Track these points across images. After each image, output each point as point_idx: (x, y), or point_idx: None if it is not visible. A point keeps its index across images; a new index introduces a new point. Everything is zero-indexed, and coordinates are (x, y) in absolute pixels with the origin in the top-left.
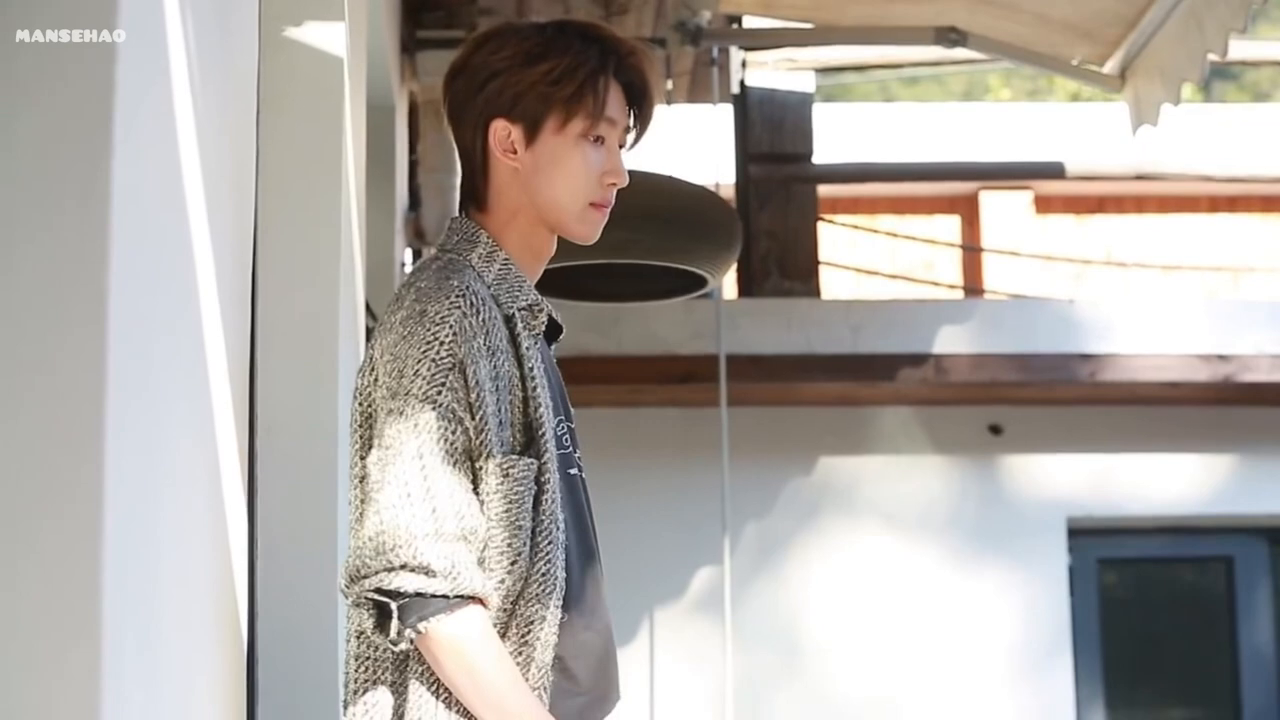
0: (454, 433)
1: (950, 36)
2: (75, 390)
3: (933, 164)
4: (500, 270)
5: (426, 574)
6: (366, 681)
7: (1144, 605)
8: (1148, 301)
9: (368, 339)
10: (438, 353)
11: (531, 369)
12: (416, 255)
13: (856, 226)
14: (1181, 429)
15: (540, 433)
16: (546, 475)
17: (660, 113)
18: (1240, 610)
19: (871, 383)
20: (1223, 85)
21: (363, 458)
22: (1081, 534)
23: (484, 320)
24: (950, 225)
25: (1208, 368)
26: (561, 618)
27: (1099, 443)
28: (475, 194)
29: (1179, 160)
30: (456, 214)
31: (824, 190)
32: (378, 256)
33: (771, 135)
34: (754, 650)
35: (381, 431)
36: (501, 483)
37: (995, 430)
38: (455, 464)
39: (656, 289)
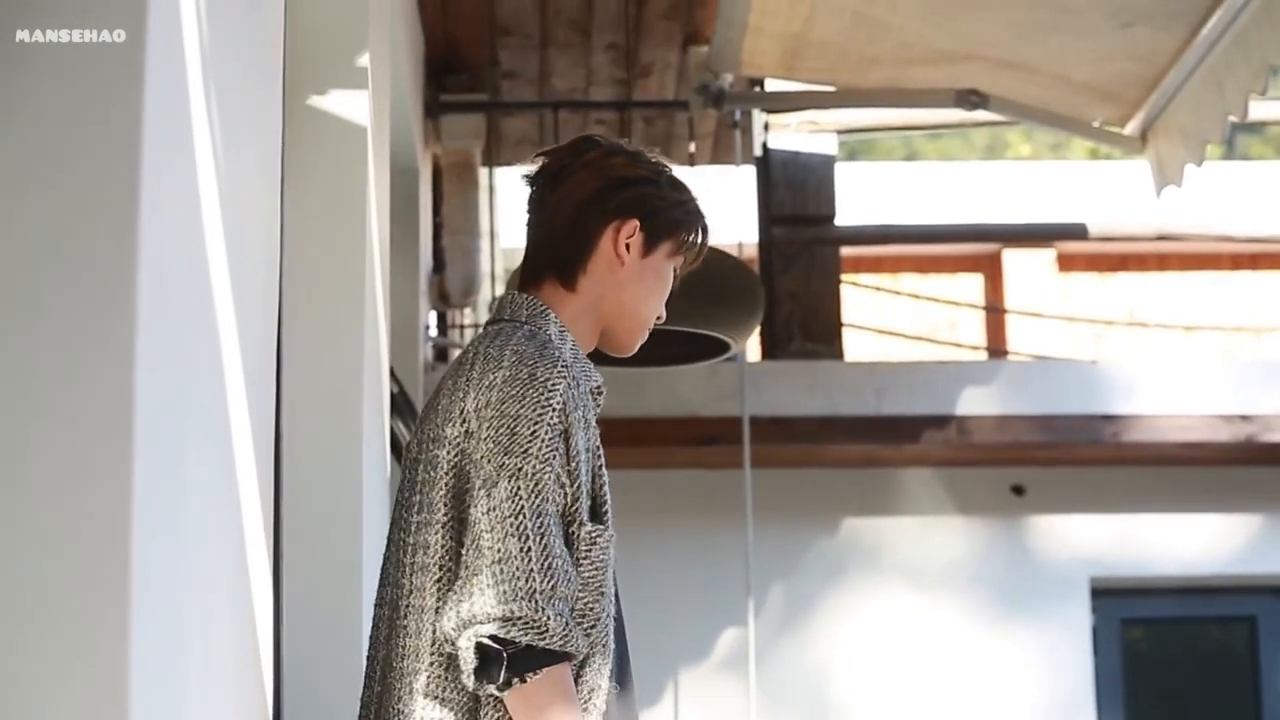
0: (560, 496)
1: (971, 99)
2: (102, 467)
3: (955, 226)
4: (572, 349)
5: (541, 630)
6: None
7: (1167, 664)
8: (1169, 362)
9: (393, 403)
10: (551, 418)
11: (599, 447)
12: (441, 318)
13: (879, 288)
14: (1204, 489)
15: (605, 508)
16: (612, 549)
17: (685, 177)
18: (1263, 669)
19: (895, 444)
20: (1246, 139)
21: (449, 504)
22: (1105, 594)
23: (580, 394)
24: (973, 283)
25: (1229, 428)
26: (612, 687)
27: (1122, 503)
28: (565, 271)
29: (1200, 220)
30: (517, 289)
31: (847, 250)
32: (402, 319)
33: (794, 197)
34: (779, 711)
35: (494, 484)
36: (589, 549)
37: (1018, 491)
38: (560, 526)
39: (681, 353)
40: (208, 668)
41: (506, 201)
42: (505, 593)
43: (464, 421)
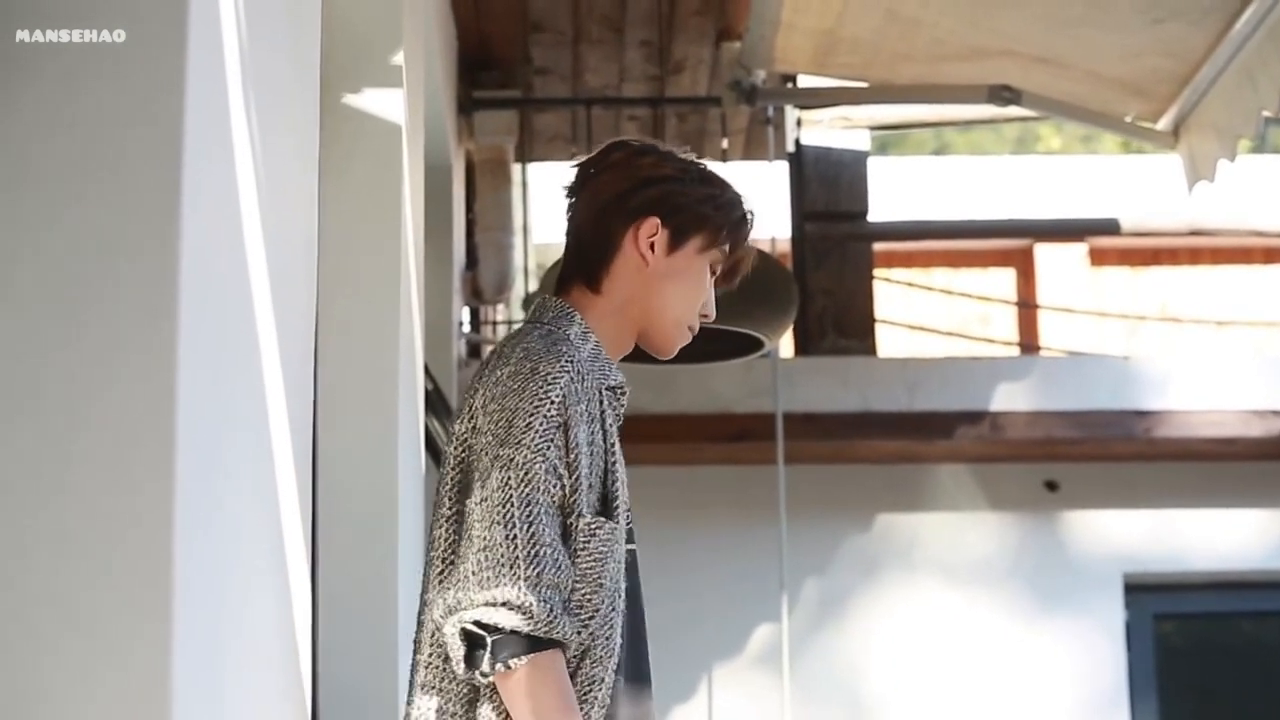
0: (555, 487)
1: (1004, 95)
2: (144, 468)
3: (987, 221)
4: (592, 349)
5: (526, 614)
6: (434, 713)
7: (1201, 660)
8: (1202, 357)
9: (427, 400)
10: (548, 410)
11: (614, 444)
12: (474, 314)
13: (911, 284)
14: (1237, 484)
15: (615, 504)
16: (617, 545)
17: (718, 173)
18: None
19: (928, 440)
20: (1276, 131)
21: (454, 499)
22: (1138, 589)
23: (586, 388)
24: (1005, 278)
25: (1262, 423)
26: (615, 681)
27: (1155, 498)
28: (590, 274)
29: (1232, 214)
30: (550, 294)
31: (879, 245)
32: (435, 315)
33: (827, 193)
34: (813, 707)
35: (487, 475)
36: (588, 541)
37: (1051, 486)
38: (553, 516)
39: (714, 350)
40: (247, 668)
41: (539, 197)
42: (488, 579)
43: (471, 417)
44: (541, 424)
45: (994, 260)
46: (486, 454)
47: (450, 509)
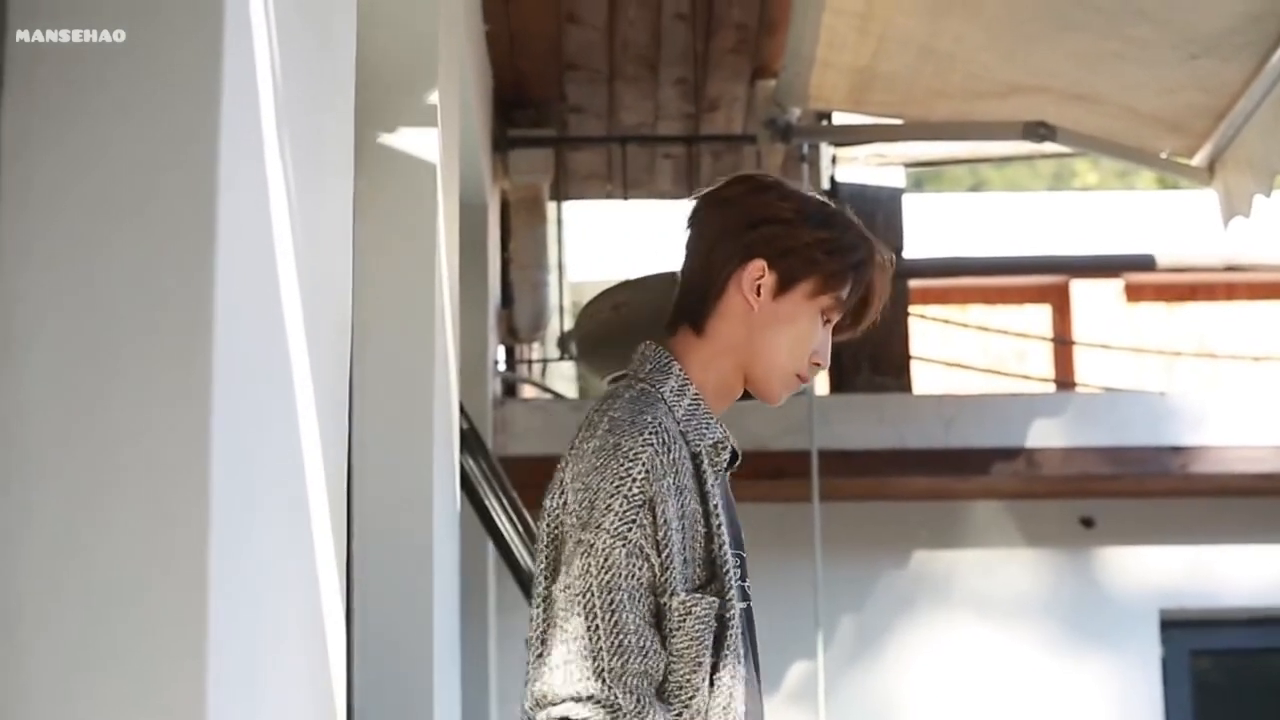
0: (640, 569)
1: (1039, 131)
2: (179, 503)
3: (1022, 258)
4: (690, 405)
5: (612, 709)
6: None
7: (1238, 696)
8: (1238, 393)
9: (463, 439)
10: (629, 489)
11: (715, 506)
12: (509, 352)
13: (948, 321)
14: (1273, 520)
15: (723, 569)
16: (730, 612)
17: None
18: None
19: (964, 477)
20: None
21: (548, 579)
22: (1174, 625)
23: (674, 459)
24: (1041, 314)
25: None
26: None
27: (1191, 534)
28: (695, 315)
29: (1269, 249)
30: (648, 342)
31: (914, 282)
32: (471, 354)
33: None
34: None
35: (570, 561)
36: (684, 620)
37: (1087, 523)
38: (640, 599)
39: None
40: (283, 706)
41: (574, 235)
42: (573, 673)
43: (561, 494)
44: (622, 505)
45: (1030, 297)
46: (571, 536)
47: (543, 589)
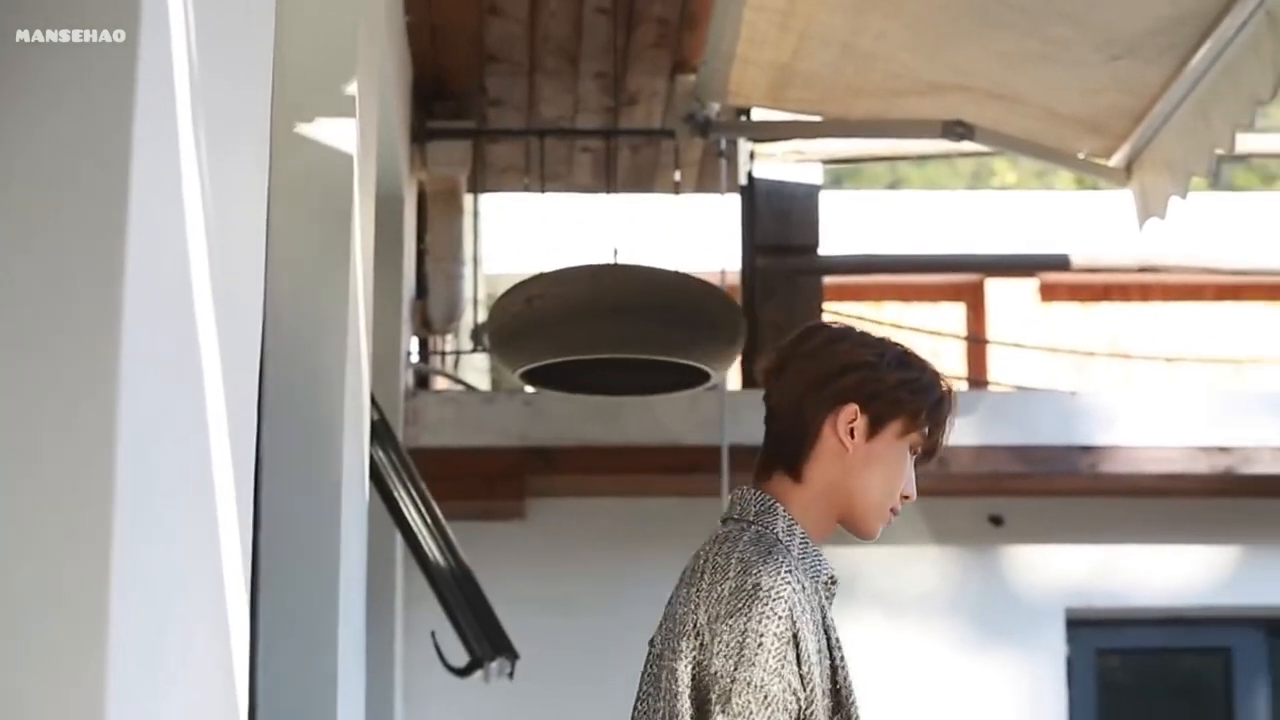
0: (792, 703)
1: (957, 130)
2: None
3: (937, 256)
4: (801, 544)
5: None
6: None
7: (1142, 695)
8: (1149, 393)
9: (373, 429)
10: (778, 628)
11: (837, 639)
12: (423, 344)
13: (861, 318)
14: (1182, 520)
15: (849, 699)
16: None
17: (671, 205)
18: (1238, 701)
19: None
20: (1232, 169)
21: (691, 718)
22: (1081, 624)
23: (808, 597)
24: (955, 312)
25: (1209, 460)
26: None
27: (1099, 534)
28: (791, 462)
29: (1184, 251)
30: (745, 486)
31: (830, 278)
32: (383, 345)
33: (778, 227)
34: None
35: (727, 698)
36: None
37: (996, 521)
38: None
39: (661, 382)
40: (186, 700)
41: (491, 228)
42: None
43: (697, 635)
44: (774, 643)
45: (944, 295)
46: (724, 676)
47: None
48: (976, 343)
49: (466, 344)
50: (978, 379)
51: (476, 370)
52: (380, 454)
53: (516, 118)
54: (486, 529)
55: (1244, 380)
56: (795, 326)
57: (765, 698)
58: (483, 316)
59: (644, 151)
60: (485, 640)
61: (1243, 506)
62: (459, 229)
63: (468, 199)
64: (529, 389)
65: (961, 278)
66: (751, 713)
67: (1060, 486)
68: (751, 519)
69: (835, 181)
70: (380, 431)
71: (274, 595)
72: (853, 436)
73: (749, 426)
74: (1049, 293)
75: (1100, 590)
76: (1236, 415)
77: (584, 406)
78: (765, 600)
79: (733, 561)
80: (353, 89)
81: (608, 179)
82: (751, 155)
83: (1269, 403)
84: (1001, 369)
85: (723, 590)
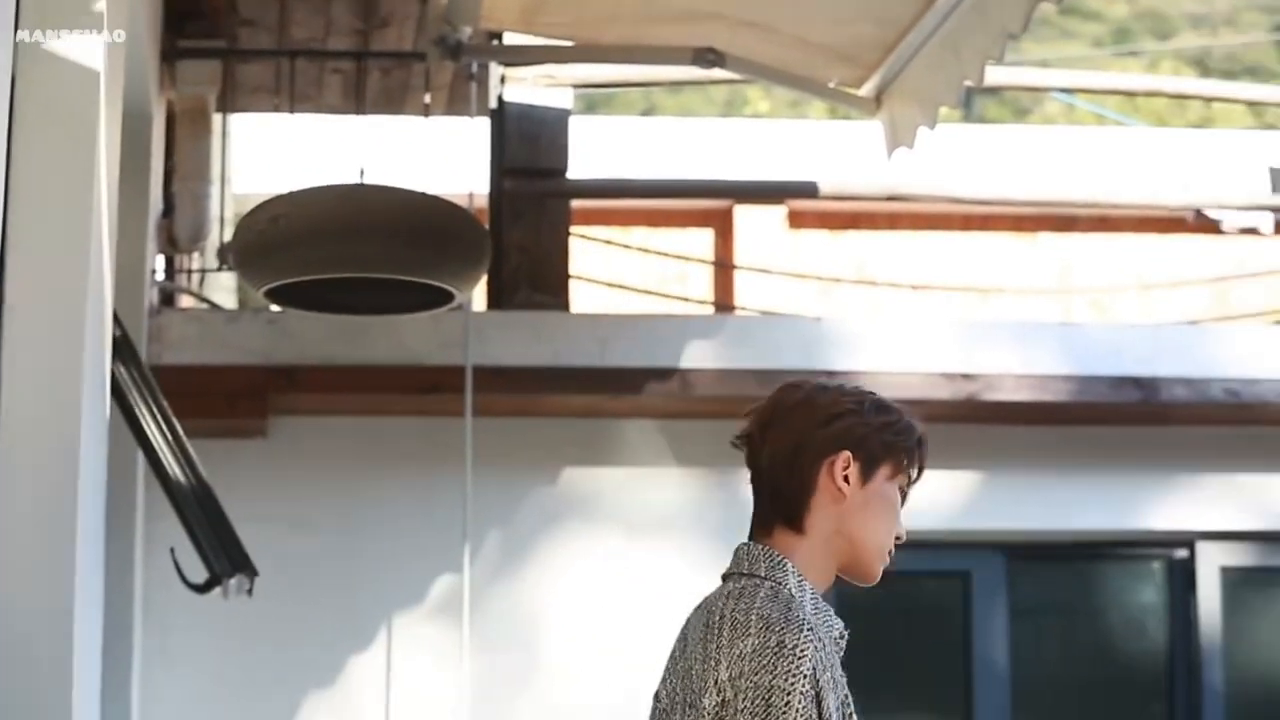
0: None
1: (708, 57)
2: None
3: (685, 181)
4: (812, 599)
5: None
6: None
7: (882, 617)
8: (893, 319)
9: (115, 346)
10: (803, 686)
11: (848, 696)
12: (169, 262)
13: (609, 241)
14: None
15: None
16: None
17: (420, 127)
18: (976, 624)
19: (617, 395)
20: (983, 100)
21: None
22: None
23: (827, 654)
24: (704, 239)
25: (952, 386)
26: None
27: None
28: (791, 515)
29: (932, 181)
30: (748, 541)
31: (578, 203)
32: (128, 262)
33: (527, 150)
34: (493, 656)
35: None
36: None
37: (737, 444)
38: None
39: (404, 302)
40: None
41: (240, 148)
42: None
43: (719, 692)
44: (799, 701)
45: (693, 221)
46: None
47: None
48: (724, 268)
49: (213, 262)
50: (724, 304)
51: (223, 289)
52: (122, 370)
53: (268, 38)
54: (228, 447)
55: (989, 309)
56: (543, 249)
57: None
58: (229, 235)
59: (395, 74)
60: (224, 557)
61: (984, 432)
62: (207, 148)
63: (217, 119)
64: (274, 308)
65: (710, 204)
66: None
67: None
68: (763, 575)
69: (590, 108)
70: (122, 348)
71: (9, 507)
72: (848, 482)
73: (492, 347)
74: (797, 220)
75: None
76: (980, 343)
77: (328, 326)
78: (790, 658)
79: (753, 619)
80: (100, 4)
81: (358, 101)
82: (502, 79)
83: (1012, 331)
84: (749, 295)
85: (745, 648)
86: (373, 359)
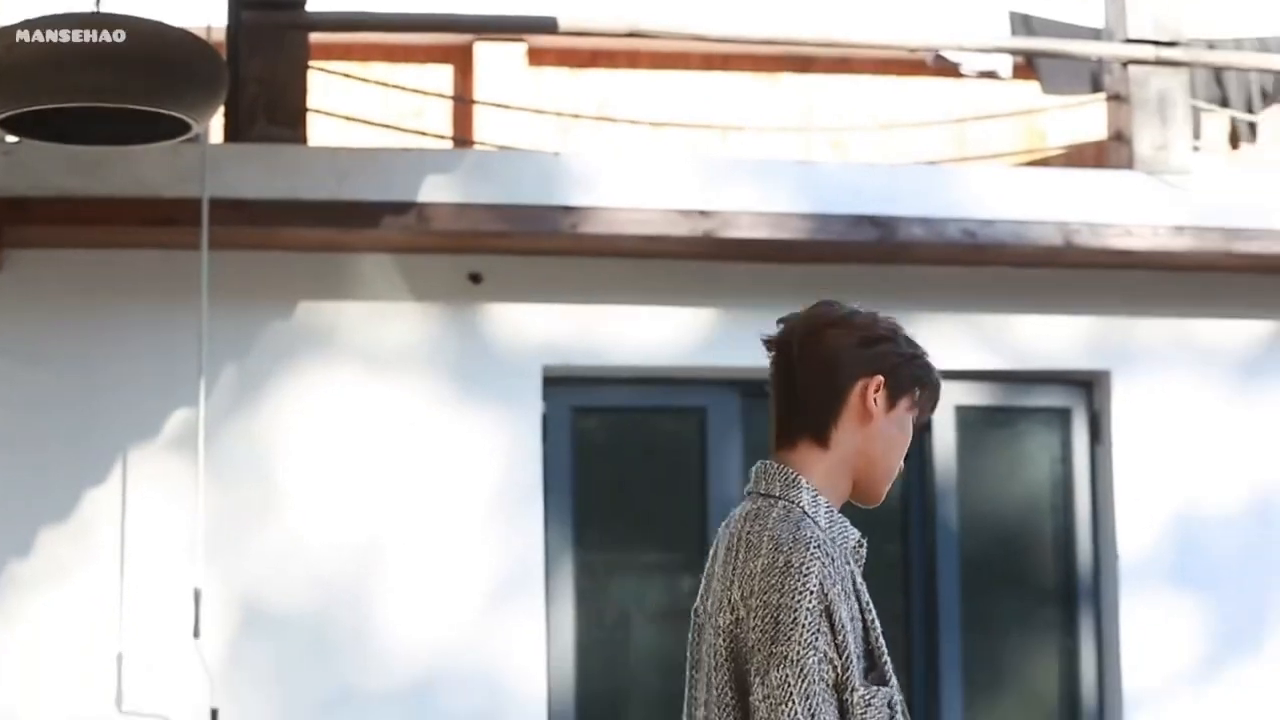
0: (827, 673)
1: None
2: None
3: (425, 15)
4: (827, 513)
5: None
6: None
7: (618, 453)
8: (632, 156)
9: None
10: (809, 603)
11: (867, 601)
12: None
13: (348, 75)
14: (661, 282)
15: (882, 659)
16: (896, 698)
17: None
18: (711, 459)
19: (354, 229)
20: None
21: (733, 690)
22: (558, 382)
23: (837, 567)
24: (444, 75)
25: (689, 223)
26: None
27: (578, 294)
28: (818, 428)
29: (673, 18)
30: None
31: (317, 37)
32: None
33: None
34: (228, 490)
35: (765, 672)
36: (864, 711)
37: (475, 279)
38: (831, 700)
39: (140, 133)
40: None
41: None
42: None
43: (733, 610)
44: (806, 618)
45: (433, 57)
46: (760, 650)
47: (732, 698)
48: (463, 103)
49: None
50: (463, 139)
51: None
52: None
53: None
54: None
55: (728, 147)
56: (280, 82)
57: (801, 671)
58: None
59: None
60: None
61: (722, 269)
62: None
63: None
64: (9, 138)
65: (450, 39)
66: (789, 686)
67: (541, 245)
68: (778, 494)
69: None
70: None
71: None
72: (876, 405)
73: (229, 180)
74: (537, 58)
75: (578, 349)
76: (717, 180)
77: (64, 157)
78: (796, 577)
79: (765, 539)
80: None
81: None
82: None
83: (751, 169)
84: (488, 131)
85: (755, 568)
86: (109, 191)
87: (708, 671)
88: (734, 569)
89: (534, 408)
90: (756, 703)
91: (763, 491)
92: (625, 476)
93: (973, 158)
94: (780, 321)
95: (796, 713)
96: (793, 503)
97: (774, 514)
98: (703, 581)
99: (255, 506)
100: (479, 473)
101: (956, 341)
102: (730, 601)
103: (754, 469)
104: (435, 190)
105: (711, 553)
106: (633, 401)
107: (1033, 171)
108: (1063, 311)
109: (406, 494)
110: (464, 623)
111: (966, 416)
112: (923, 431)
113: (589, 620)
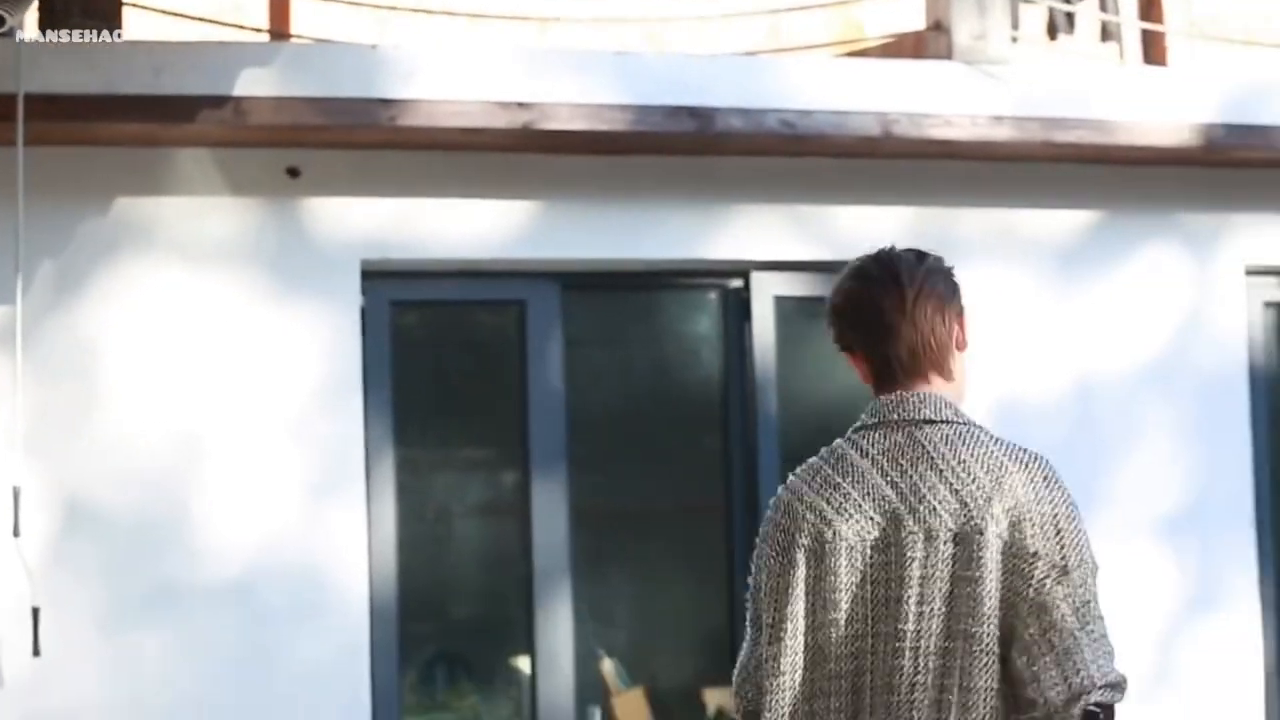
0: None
1: None
2: None
3: None
4: None
5: (1121, 690)
6: None
7: (437, 347)
8: (450, 48)
9: None
10: (1078, 514)
11: None
12: None
13: None
14: (480, 175)
15: None
16: None
17: None
18: (530, 353)
19: (171, 124)
20: None
21: (1001, 593)
22: (376, 276)
23: None
24: None
25: (508, 115)
26: None
27: (397, 187)
28: (942, 365)
29: None
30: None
31: None
32: None
33: None
34: (48, 388)
35: (1066, 578)
36: None
37: (293, 173)
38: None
39: None
40: None
41: None
42: (1103, 664)
43: (995, 523)
44: (1082, 525)
45: None
46: (1046, 560)
47: (993, 608)
48: None
49: None
50: (281, 32)
51: None
52: None
53: None
54: None
55: (546, 39)
56: None
57: (1095, 577)
58: None
59: None
60: None
61: (540, 162)
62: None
63: None
64: None
65: None
66: (1089, 588)
67: (359, 139)
68: (963, 420)
69: None
70: None
71: None
72: (966, 335)
73: (44, 74)
74: None
75: (397, 243)
76: (537, 72)
77: None
78: (1065, 491)
79: (998, 452)
80: None
81: None
82: None
83: (570, 60)
84: (304, 23)
85: (1015, 480)
86: None
87: (979, 584)
88: (977, 485)
89: (353, 302)
90: (1057, 600)
91: (950, 419)
92: (445, 370)
93: (791, 48)
94: (878, 264)
95: (1099, 613)
96: (973, 422)
97: (980, 434)
98: (846, 507)
99: (75, 403)
100: (299, 367)
101: (776, 232)
102: (994, 515)
103: (888, 400)
104: (253, 84)
105: (860, 480)
106: (452, 295)
107: (851, 61)
108: (882, 202)
109: (226, 389)
110: (285, 517)
111: (785, 307)
112: (741, 323)
113: (410, 514)
